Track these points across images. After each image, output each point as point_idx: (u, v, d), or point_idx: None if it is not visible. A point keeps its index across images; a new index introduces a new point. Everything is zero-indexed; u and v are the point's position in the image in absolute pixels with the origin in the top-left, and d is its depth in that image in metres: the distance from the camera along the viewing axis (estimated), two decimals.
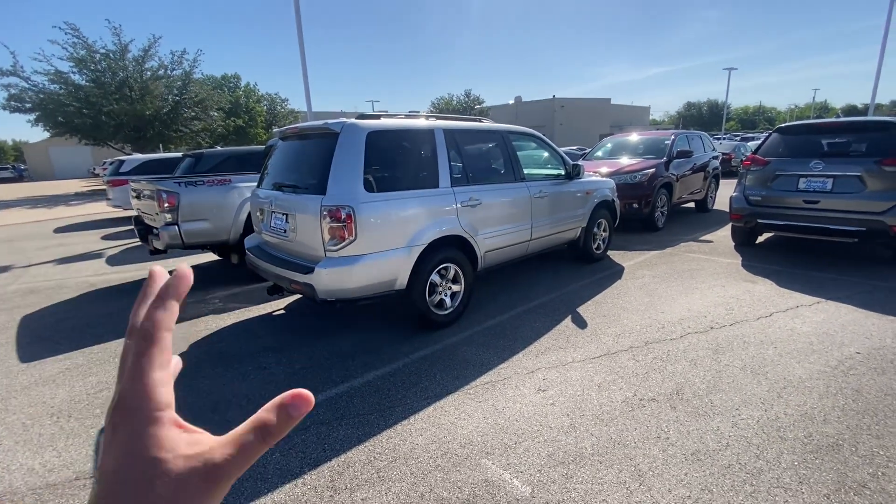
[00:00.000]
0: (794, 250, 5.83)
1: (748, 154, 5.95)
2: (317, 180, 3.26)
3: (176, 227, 4.61)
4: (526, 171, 4.53)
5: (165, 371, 0.30)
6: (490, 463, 2.11)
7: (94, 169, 34.39)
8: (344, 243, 3.05)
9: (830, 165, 4.93)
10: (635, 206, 6.93)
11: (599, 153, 8.81)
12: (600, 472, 2.02)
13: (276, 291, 3.90)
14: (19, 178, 40.14)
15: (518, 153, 4.50)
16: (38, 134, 67.27)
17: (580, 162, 5.33)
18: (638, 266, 5.33)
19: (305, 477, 2.05)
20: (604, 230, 5.58)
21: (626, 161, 7.67)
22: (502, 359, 3.11)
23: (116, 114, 18.55)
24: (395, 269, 3.27)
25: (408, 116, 3.81)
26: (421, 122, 3.72)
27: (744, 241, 6.05)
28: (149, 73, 20.14)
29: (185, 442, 0.28)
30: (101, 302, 4.69)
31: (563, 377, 2.84)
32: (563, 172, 4.92)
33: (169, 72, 20.79)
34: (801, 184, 5.11)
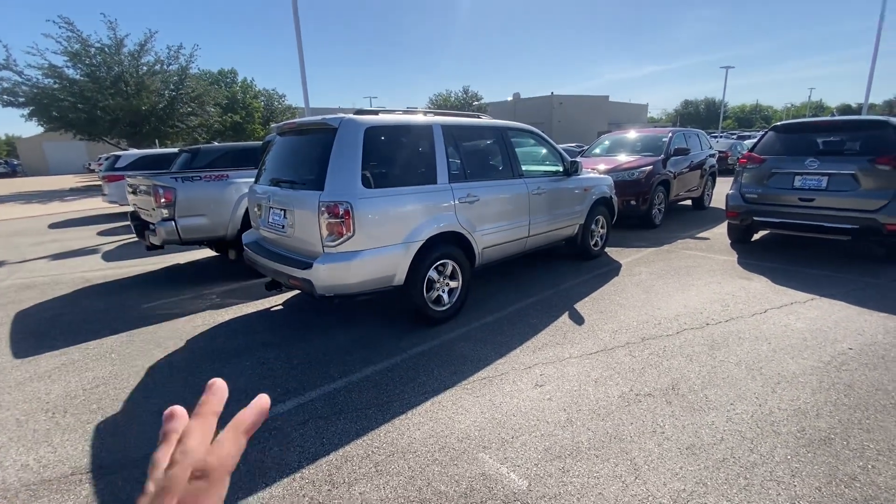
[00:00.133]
0: (789, 247, 5.88)
1: (744, 152, 5.97)
2: (314, 176, 3.25)
3: (173, 222, 4.59)
4: (524, 167, 4.54)
5: None
6: (487, 457, 2.12)
7: (90, 164, 34.15)
8: (342, 239, 3.05)
9: (825, 164, 4.96)
10: (633, 203, 6.95)
11: (597, 150, 8.83)
12: (596, 465, 2.04)
13: (274, 287, 3.90)
14: (12, 173, 39.76)
15: (516, 150, 4.50)
16: (31, 129, 66.82)
17: (578, 159, 5.34)
18: (635, 263, 5.35)
19: (304, 471, 2.06)
20: (601, 227, 5.60)
21: (623, 158, 7.69)
22: (499, 354, 3.13)
23: (112, 109, 18.38)
24: (393, 265, 3.28)
25: (406, 112, 3.80)
26: (419, 118, 3.71)
27: (740, 239, 6.08)
28: (145, 67, 19.95)
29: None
30: (96, 298, 4.67)
31: (560, 373, 2.86)
32: (561, 169, 4.93)
33: (165, 67, 20.60)
34: (796, 182, 5.14)
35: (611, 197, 5.65)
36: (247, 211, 4.63)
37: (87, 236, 8.43)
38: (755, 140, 5.93)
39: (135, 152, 11.09)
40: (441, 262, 3.60)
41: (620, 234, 6.80)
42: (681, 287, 4.41)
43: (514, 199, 4.23)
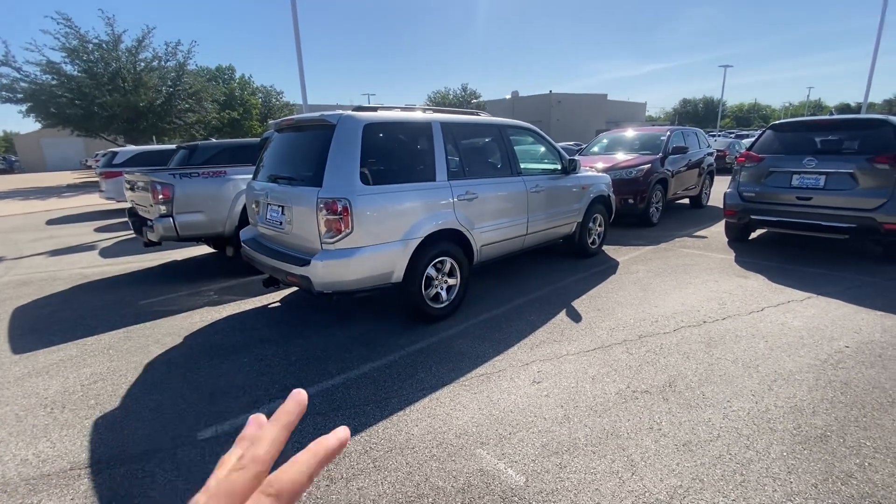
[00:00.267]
0: (786, 246, 5.89)
1: (742, 151, 5.98)
2: (313, 172, 3.24)
3: (171, 219, 4.58)
4: (522, 165, 4.54)
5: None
6: (485, 453, 2.13)
7: (87, 161, 33.98)
8: (340, 236, 3.05)
9: (823, 162, 4.97)
10: (631, 201, 6.96)
11: (596, 149, 8.83)
12: (593, 461, 2.05)
13: (272, 284, 3.89)
14: (10, 169, 39.57)
15: (515, 148, 4.50)
16: (29, 125, 66.43)
17: (577, 157, 5.34)
18: (633, 261, 5.36)
19: None
20: (599, 225, 5.60)
21: (622, 157, 7.69)
22: (497, 351, 3.13)
23: (109, 105, 18.32)
24: (392, 262, 3.28)
25: (404, 109, 3.80)
26: (418, 115, 3.71)
27: (737, 237, 6.10)
28: (142, 64, 19.89)
29: None
30: (94, 294, 4.66)
31: (558, 369, 2.87)
32: (559, 167, 4.93)
33: (163, 63, 20.54)
34: (794, 180, 5.15)
35: (609, 195, 5.65)
36: (244, 207, 4.63)
37: (84, 233, 8.41)
38: (753, 139, 5.93)
39: (132, 149, 11.05)
40: (439, 259, 3.60)
41: (618, 233, 6.81)
42: (678, 285, 4.43)
43: (512, 197, 4.23)
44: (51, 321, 3.94)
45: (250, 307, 4.13)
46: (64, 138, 32.55)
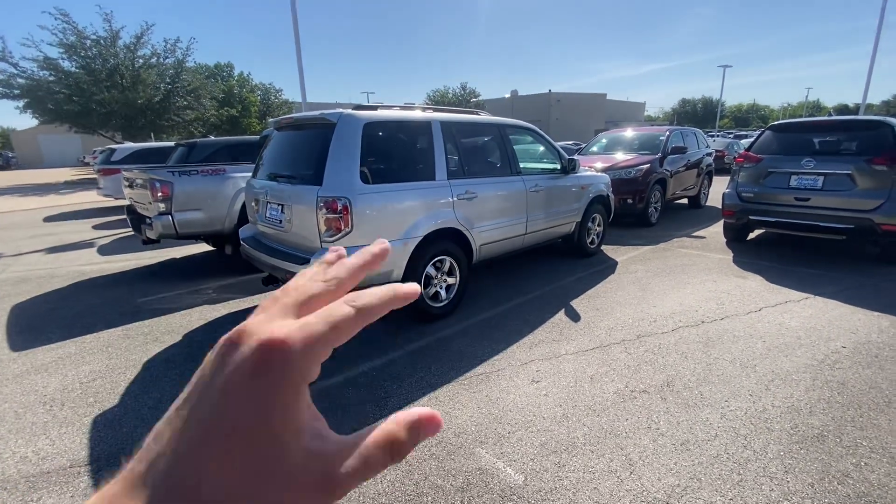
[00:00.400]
0: (784, 246, 5.91)
1: (741, 151, 6.00)
2: (313, 171, 3.24)
3: (170, 216, 4.57)
4: (522, 164, 4.55)
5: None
6: (484, 452, 2.14)
7: (84, 157, 33.86)
8: (340, 234, 3.05)
9: (822, 163, 4.99)
10: (630, 201, 6.97)
11: (595, 148, 8.84)
12: (592, 461, 2.06)
13: (272, 282, 3.89)
14: (7, 165, 39.41)
15: (514, 147, 4.50)
16: (26, 121, 66.14)
17: (576, 157, 5.35)
18: (631, 261, 5.37)
19: None
20: (598, 225, 5.61)
21: (621, 156, 7.70)
22: (496, 350, 3.14)
23: (107, 102, 18.24)
24: (391, 261, 3.28)
25: (403, 108, 3.80)
26: (418, 114, 3.71)
27: (735, 238, 6.12)
28: (141, 60, 19.80)
29: (310, 431, 0.23)
30: (92, 292, 4.65)
31: (557, 369, 2.88)
32: (558, 167, 4.94)
33: (161, 60, 20.45)
34: (792, 181, 5.17)
35: (608, 195, 5.66)
36: (244, 205, 4.62)
37: (82, 230, 8.38)
38: (752, 139, 5.95)
39: (130, 146, 11.01)
40: (439, 258, 3.60)
41: (617, 232, 6.82)
42: (676, 285, 4.44)
43: (511, 197, 4.23)
44: (49, 318, 3.93)
45: (249, 305, 4.13)
46: (61, 135, 32.44)
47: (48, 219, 9.95)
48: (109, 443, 2.28)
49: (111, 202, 10.79)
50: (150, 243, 5.07)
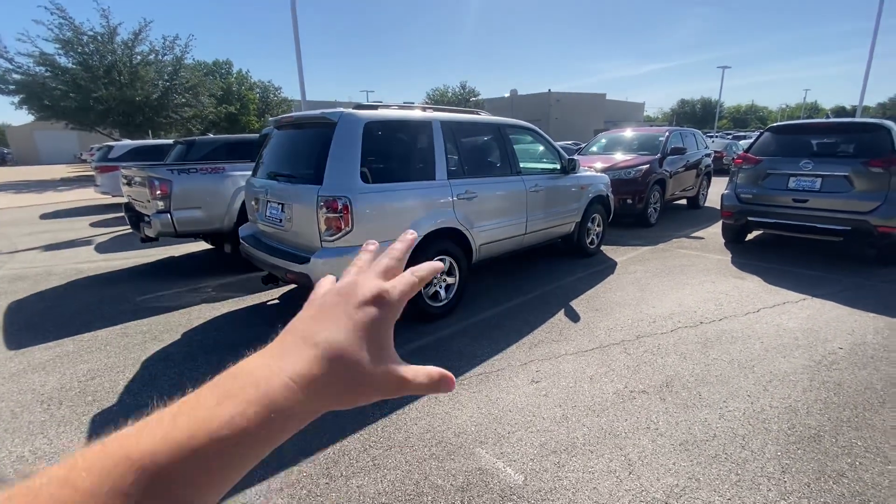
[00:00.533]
0: (782, 248, 5.94)
1: (739, 152, 6.02)
2: (313, 170, 3.24)
3: (168, 214, 4.55)
4: (522, 164, 4.55)
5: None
6: (484, 452, 2.14)
7: (81, 154, 33.66)
8: (340, 234, 3.05)
9: (819, 165, 5.01)
10: (629, 201, 6.99)
11: (594, 148, 8.85)
12: (591, 461, 2.07)
13: (271, 281, 3.89)
14: (2, 162, 39.16)
15: (514, 147, 4.50)
16: (22, 117, 65.68)
17: (576, 157, 5.35)
18: (630, 261, 5.39)
19: (301, 465, 2.07)
20: (598, 225, 5.62)
21: (620, 157, 7.72)
22: (496, 350, 3.15)
23: (105, 99, 18.12)
24: None
25: (402, 107, 3.79)
26: (418, 114, 3.70)
27: (734, 239, 6.14)
28: (139, 57, 19.67)
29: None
30: (90, 289, 4.63)
31: (556, 369, 2.89)
32: (558, 167, 4.94)
33: (160, 57, 20.33)
34: (790, 183, 5.19)
35: (607, 195, 5.67)
36: (243, 204, 4.61)
37: (79, 227, 8.34)
38: (751, 140, 5.97)
39: (128, 143, 10.97)
40: (438, 258, 3.61)
41: (616, 233, 6.84)
42: (675, 286, 4.46)
43: (511, 196, 4.24)
44: (47, 317, 3.91)
45: (249, 304, 4.12)
46: (58, 131, 32.20)
47: (45, 216, 9.90)
48: None
49: (109, 199, 10.75)
50: (148, 241, 5.05)
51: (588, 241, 5.50)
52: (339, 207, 3.01)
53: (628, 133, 8.80)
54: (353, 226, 3.05)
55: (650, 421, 2.34)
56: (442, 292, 3.70)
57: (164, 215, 4.54)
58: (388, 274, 0.38)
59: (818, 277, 4.68)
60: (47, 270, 5.36)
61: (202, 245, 6.30)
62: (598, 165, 7.09)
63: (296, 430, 0.30)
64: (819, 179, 5.01)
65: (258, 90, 34.84)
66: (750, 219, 5.51)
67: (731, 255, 5.58)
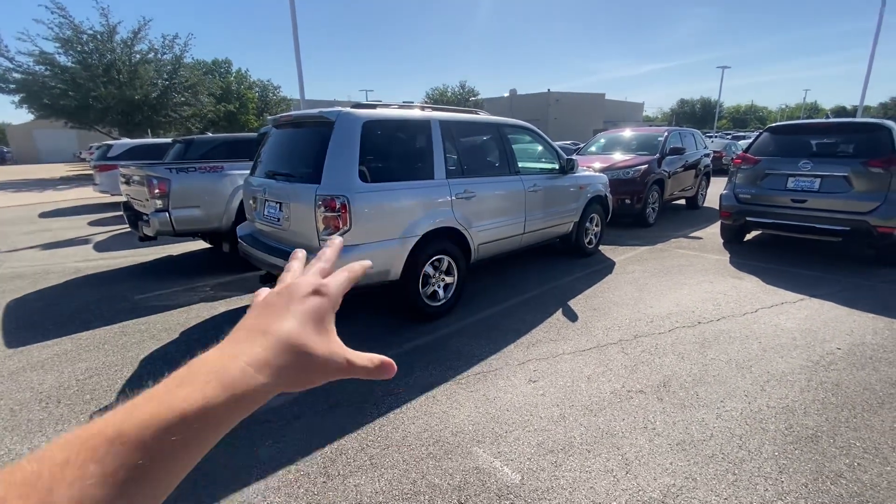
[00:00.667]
0: (781, 248, 5.94)
1: (739, 152, 6.02)
2: (311, 169, 3.24)
3: (167, 213, 4.55)
4: (520, 164, 4.55)
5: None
6: (481, 451, 2.14)
7: (80, 153, 33.63)
8: (338, 233, 3.05)
9: (819, 165, 5.01)
10: (628, 201, 6.99)
11: (593, 148, 8.85)
12: (588, 460, 2.07)
13: (270, 280, 3.88)
14: (2, 160, 39.11)
15: (513, 146, 4.50)
16: (22, 115, 65.63)
17: (574, 157, 5.35)
18: (629, 261, 5.39)
19: (299, 464, 2.07)
20: (596, 225, 5.63)
21: (619, 157, 7.72)
22: (494, 350, 3.15)
23: (104, 97, 18.09)
24: (389, 260, 3.28)
25: (401, 107, 3.79)
26: (417, 113, 3.70)
27: (732, 239, 6.14)
28: (138, 56, 19.64)
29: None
30: (88, 288, 4.63)
31: (554, 369, 2.89)
32: (557, 167, 4.94)
33: (159, 56, 20.30)
34: (789, 183, 5.19)
35: (606, 195, 5.67)
36: (241, 203, 4.61)
37: (78, 226, 8.34)
38: (750, 140, 5.97)
39: (127, 142, 10.96)
40: (437, 257, 3.60)
41: (615, 233, 6.84)
42: (673, 286, 4.46)
43: (510, 196, 4.24)
44: (45, 315, 3.91)
45: (247, 303, 4.12)
46: (57, 130, 32.20)
47: (43, 214, 9.89)
48: None
49: (108, 198, 10.74)
50: (146, 240, 5.05)
51: (586, 240, 5.50)
52: (338, 206, 3.01)
53: (627, 133, 8.80)
54: (351, 225, 3.05)
55: (647, 420, 2.34)
56: (440, 292, 3.70)
57: (163, 214, 4.54)
58: (323, 274, 0.42)
59: (817, 278, 4.68)
60: (46, 269, 5.36)
61: (200, 244, 6.30)
62: (597, 165, 7.09)
63: (253, 410, 0.32)
64: (818, 180, 5.02)
65: (257, 89, 34.79)
66: (748, 219, 5.52)
67: (729, 256, 5.59)
